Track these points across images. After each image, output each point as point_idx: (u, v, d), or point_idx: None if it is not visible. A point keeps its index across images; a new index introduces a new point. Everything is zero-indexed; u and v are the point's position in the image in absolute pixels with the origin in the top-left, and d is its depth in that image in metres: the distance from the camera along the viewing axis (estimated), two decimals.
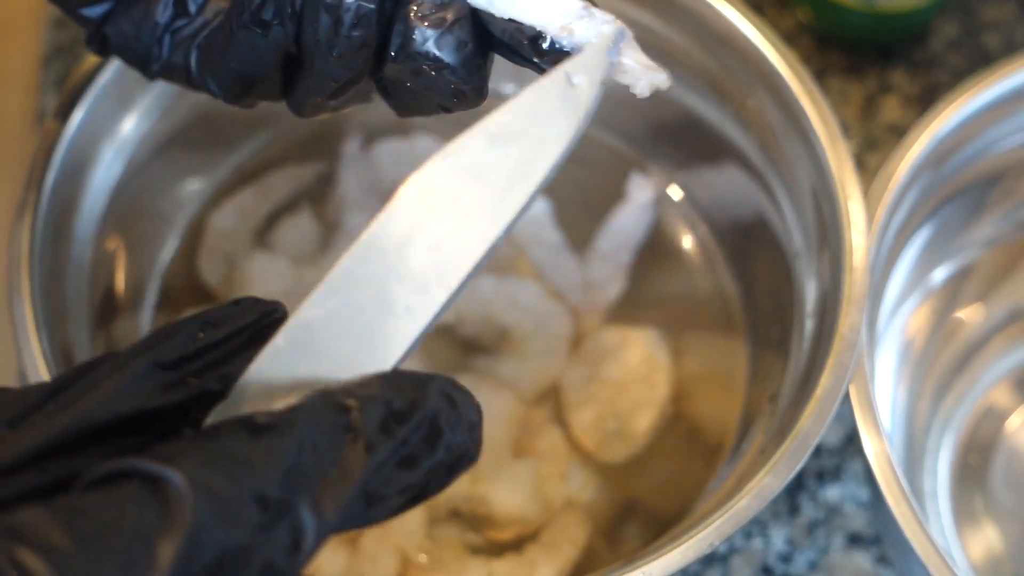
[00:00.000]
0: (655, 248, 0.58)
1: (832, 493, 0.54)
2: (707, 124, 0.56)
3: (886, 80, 0.63)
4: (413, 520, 0.51)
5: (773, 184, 0.54)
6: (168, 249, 0.57)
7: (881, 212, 0.49)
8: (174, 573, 0.24)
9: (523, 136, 0.31)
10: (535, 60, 0.35)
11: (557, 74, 0.32)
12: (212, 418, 0.29)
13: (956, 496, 0.54)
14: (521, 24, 0.35)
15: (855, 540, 0.53)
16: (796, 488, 0.54)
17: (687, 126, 0.57)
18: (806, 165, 0.51)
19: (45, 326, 0.46)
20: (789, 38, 0.63)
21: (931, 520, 0.53)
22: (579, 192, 0.59)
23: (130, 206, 0.53)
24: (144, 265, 0.56)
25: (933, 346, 0.56)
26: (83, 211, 0.51)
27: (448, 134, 0.32)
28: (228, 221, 0.57)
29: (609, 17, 0.34)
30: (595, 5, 0.35)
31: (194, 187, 0.58)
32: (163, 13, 0.39)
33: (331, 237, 0.57)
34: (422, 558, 0.50)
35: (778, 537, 0.53)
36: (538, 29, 0.35)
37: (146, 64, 0.40)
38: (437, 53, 0.36)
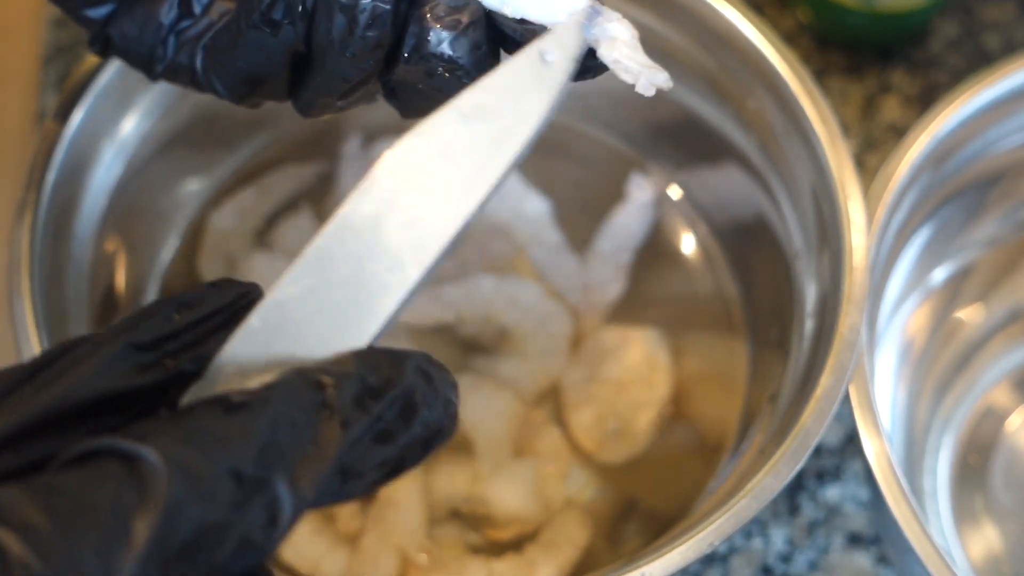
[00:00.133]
0: (655, 248, 0.58)
1: (832, 493, 0.54)
2: (707, 124, 0.56)
3: (886, 80, 0.63)
4: (413, 520, 0.51)
5: (773, 184, 0.54)
6: (168, 249, 0.57)
7: (881, 212, 0.49)
8: (150, 549, 0.24)
9: (497, 113, 0.31)
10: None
11: (530, 51, 0.32)
12: (188, 398, 0.29)
13: (956, 496, 0.54)
14: (533, 25, 0.35)
15: (855, 540, 0.53)
16: (796, 488, 0.54)
17: (687, 126, 0.57)
18: (806, 165, 0.51)
19: (45, 326, 0.46)
20: (789, 38, 0.63)
21: (931, 520, 0.53)
22: (579, 192, 0.59)
23: (130, 206, 0.53)
24: (144, 265, 0.56)
25: (933, 346, 0.56)
26: (83, 211, 0.51)
27: None
28: (228, 221, 0.57)
29: (616, 15, 0.34)
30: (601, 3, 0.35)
31: (194, 187, 0.58)
32: (167, 14, 0.39)
33: None
34: (422, 558, 0.50)
35: (778, 537, 0.53)
36: (550, 29, 0.35)
37: (149, 65, 0.40)
38: (452, 55, 0.36)
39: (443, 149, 0.31)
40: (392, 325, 0.30)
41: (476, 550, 0.51)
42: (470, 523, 0.52)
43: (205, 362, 0.30)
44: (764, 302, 0.55)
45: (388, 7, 0.36)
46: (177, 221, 0.57)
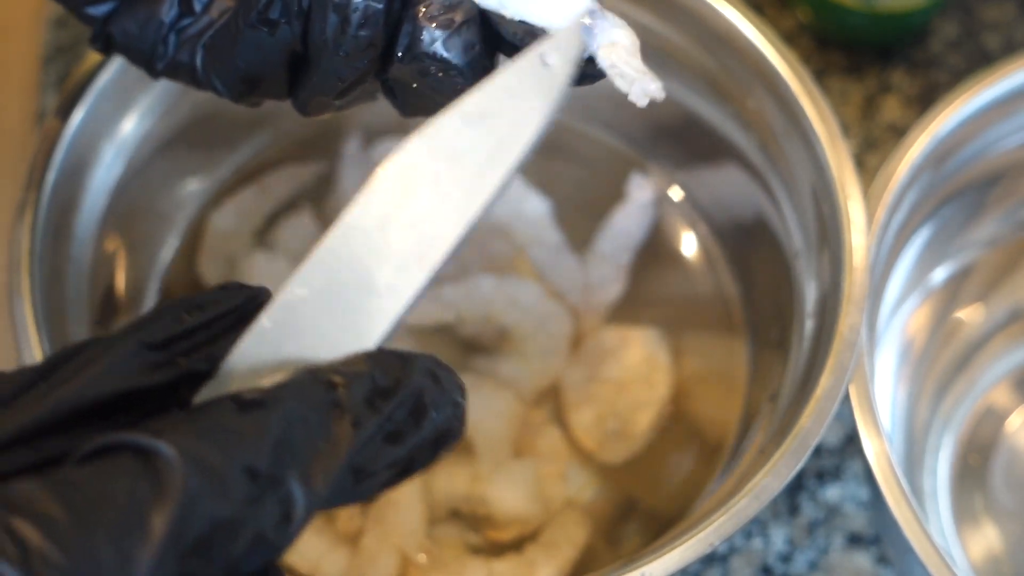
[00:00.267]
0: (655, 248, 0.58)
1: (832, 493, 0.54)
2: (707, 124, 0.56)
3: (886, 80, 0.63)
4: (413, 520, 0.51)
5: (773, 184, 0.54)
6: (168, 249, 0.57)
7: (881, 212, 0.49)
8: (167, 543, 0.25)
9: (499, 116, 0.31)
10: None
11: (531, 55, 0.32)
12: (200, 397, 0.30)
13: (956, 496, 0.54)
14: (532, 27, 0.35)
15: (855, 540, 0.53)
16: (796, 488, 0.54)
17: (687, 126, 0.57)
18: (806, 165, 0.51)
19: (45, 326, 0.46)
20: (789, 38, 0.63)
21: (931, 520, 0.53)
22: (579, 192, 0.59)
23: (130, 206, 0.53)
24: (144, 265, 0.56)
25: (933, 346, 0.56)
26: (83, 211, 0.51)
27: None
28: (228, 221, 0.57)
29: (619, 21, 0.34)
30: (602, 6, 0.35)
31: (194, 187, 0.58)
32: (168, 12, 0.39)
33: None
34: (422, 558, 0.50)
35: (778, 537, 0.53)
36: (549, 32, 0.35)
37: (150, 63, 0.40)
38: (445, 54, 0.36)
39: (447, 152, 0.31)
40: (399, 327, 0.31)
41: (476, 550, 0.51)
42: (470, 523, 0.52)
43: (216, 361, 0.30)
44: (764, 302, 0.55)
45: (380, 6, 0.36)
46: (177, 221, 0.57)
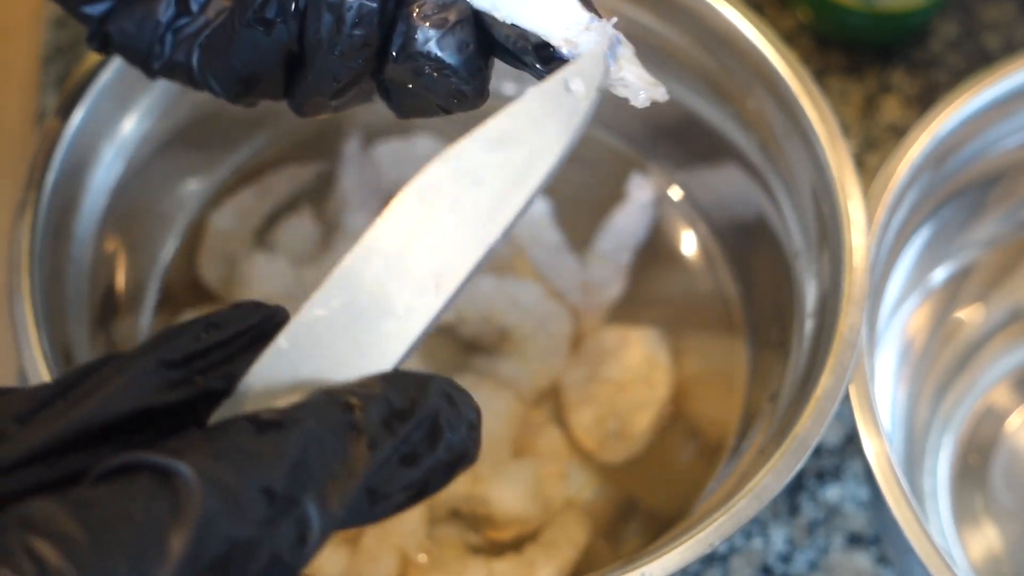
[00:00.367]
0: (655, 248, 0.58)
1: (832, 493, 0.54)
2: (707, 124, 0.56)
3: (886, 80, 0.63)
4: (413, 520, 0.51)
5: (773, 184, 0.54)
6: (168, 249, 0.57)
7: (881, 212, 0.49)
8: (184, 564, 0.25)
9: (521, 141, 0.31)
10: (537, 67, 0.35)
11: (555, 80, 0.32)
12: (216, 416, 0.30)
13: (956, 496, 0.54)
14: (525, 31, 0.35)
15: (855, 540, 0.53)
16: (796, 488, 0.54)
17: (687, 126, 0.57)
18: (806, 165, 0.51)
19: (45, 326, 0.46)
20: (789, 38, 0.63)
21: (931, 520, 0.53)
22: (579, 192, 0.59)
23: (130, 206, 0.53)
24: (144, 265, 0.56)
25: (933, 346, 0.56)
26: (83, 211, 0.51)
27: (448, 134, 0.32)
28: (228, 221, 0.57)
29: (610, 29, 0.34)
30: (599, 16, 0.34)
31: (194, 187, 0.58)
32: (165, 12, 0.39)
33: (331, 237, 0.57)
34: (422, 558, 0.50)
35: (778, 537, 0.53)
36: (542, 38, 0.35)
37: (147, 62, 0.40)
38: (439, 54, 0.36)
39: (468, 175, 0.31)
40: (417, 348, 0.31)
41: (476, 550, 0.51)
42: (470, 523, 0.52)
43: (234, 381, 0.30)
44: (764, 302, 0.55)
45: (375, 6, 0.36)
46: (177, 221, 0.57)
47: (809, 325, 0.49)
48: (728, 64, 0.53)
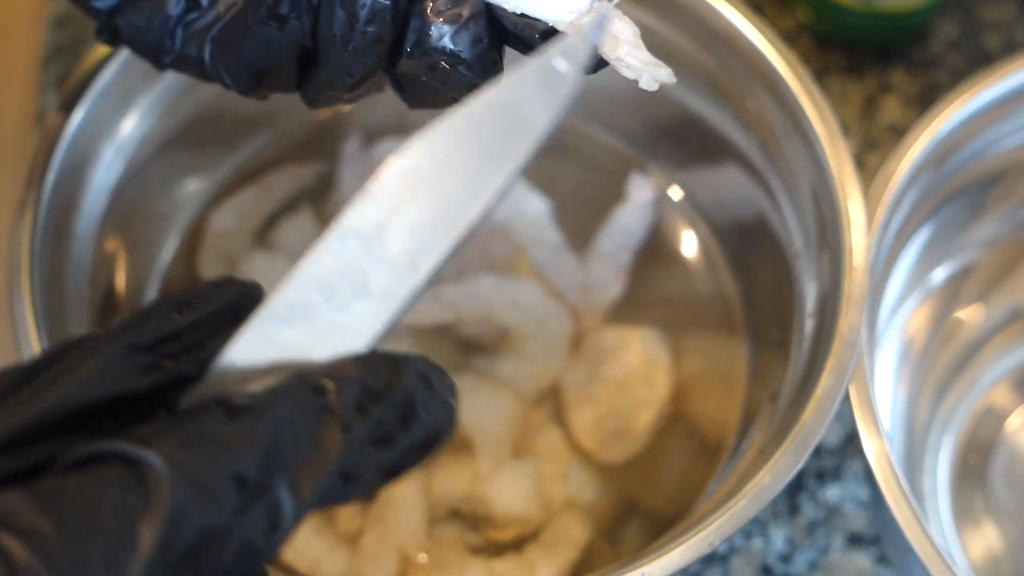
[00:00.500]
0: (655, 248, 0.58)
1: (832, 493, 0.54)
2: (707, 124, 0.56)
3: (886, 80, 0.63)
4: (413, 520, 0.51)
5: (773, 184, 0.54)
6: (168, 249, 0.57)
7: (881, 212, 0.49)
8: (155, 555, 0.24)
9: (504, 120, 0.31)
10: None
11: (540, 58, 0.32)
12: (188, 400, 0.29)
13: (956, 496, 0.54)
14: (533, 19, 0.35)
15: (855, 540, 0.53)
16: (796, 488, 0.54)
17: (687, 126, 0.57)
18: (806, 165, 0.51)
19: (45, 326, 0.46)
20: (789, 38, 0.63)
21: (931, 520, 0.53)
22: (579, 192, 0.59)
23: (130, 206, 0.53)
24: (144, 265, 0.56)
25: (933, 346, 0.56)
26: (83, 211, 0.51)
27: None
28: (228, 221, 0.57)
29: (618, 12, 0.34)
30: None
31: (194, 187, 0.58)
32: (175, 6, 0.39)
33: None
34: (422, 558, 0.50)
35: (778, 537, 0.53)
36: (550, 24, 0.35)
37: (157, 56, 0.40)
38: (453, 48, 0.36)
39: (449, 154, 0.31)
40: (393, 329, 0.31)
41: (476, 550, 0.51)
42: (470, 523, 0.52)
43: (205, 364, 0.29)
44: (764, 302, 0.55)
45: (387, 3, 0.36)
46: (177, 221, 0.57)
47: (809, 325, 0.49)
48: (728, 64, 0.53)
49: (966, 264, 0.57)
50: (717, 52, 0.53)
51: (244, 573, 0.26)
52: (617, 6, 0.35)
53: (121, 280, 0.54)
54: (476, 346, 0.56)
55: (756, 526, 0.53)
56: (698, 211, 0.58)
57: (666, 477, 0.53)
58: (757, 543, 0.53)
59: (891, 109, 0.63)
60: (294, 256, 0.57)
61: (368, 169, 0.58)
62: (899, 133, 0.61)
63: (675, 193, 0.59)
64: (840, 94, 0.63)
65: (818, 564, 0.53)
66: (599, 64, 0.35)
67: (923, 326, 0.56)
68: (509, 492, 0.51)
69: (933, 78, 0.63)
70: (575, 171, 0.59)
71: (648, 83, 0.34)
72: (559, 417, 0.54)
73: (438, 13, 0.36)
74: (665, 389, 0.54)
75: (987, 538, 0.53)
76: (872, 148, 0.62)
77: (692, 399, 0.55)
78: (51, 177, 0.48)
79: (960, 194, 0.54)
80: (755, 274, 0.56)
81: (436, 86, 0.37)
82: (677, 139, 0.58)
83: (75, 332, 0.49)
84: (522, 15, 0.35)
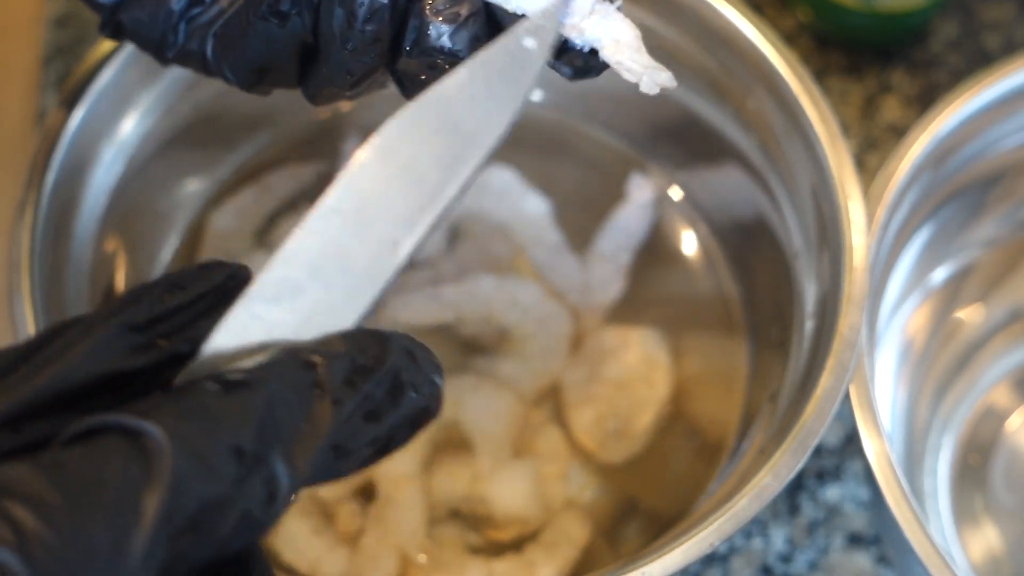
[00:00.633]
0: (655, 248, 0.58)
1: (832, 493, 0.54)
2: (707, 124, 0.56)
3: (886, 80, 0.63)
4: (413, 520, 0.51)
5: (773, 184, 0.54)
6: (168, 249, 0.57)
7: (881, 212, 0.49)
8: (158, 525, 0.25)
9: (476, 98, 0.32)
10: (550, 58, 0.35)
11: (509, 37, 0.33)
12: (180, 377, 0.30)
13: (956, 496, 0.54)
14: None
15: (855, 540, 0.53)
16: (796, 488, 0.54)
17: (687, 126, 0.57)
18: (806, 165, 0.51)
19: (45, 326, 0.46)
20: (789, 38, 0.63)
21: (931, 520, 0.53)
22: (579, 192, 0.59)
23: (130, 206, 0.53)
24: (144, 265, 0.56)
25: (933, 346, 0.56)
26: (83, 211, 0.51)
27: None
28: (228, 221, 0.57)
29: (619, 15, 0.34)
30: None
31: (194, 187, 0.58)
32: (178, 1, 0.39)
33: None
34: (422, 558, 0.50)
35: (778, 537, 0.53)
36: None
37: (160, 50, 0.40)
38: (452, 48, 0.36)
39: (424, 134, 0.32)
40: (376, 306, 0.31)
41: (476, 550, 0.51)
42: (470, 523, 0.52)
43: (198, 343, 0.30)
44: (764, 302, 0.55)
45: (386, 1, 0.36)
46: (177, 221, 0.57)
47: (809, 325, 0.49)
48: (728, 64, 0.53)
49: (966, 264, 0.57)
50: (717, 52, 0.53)
51: (242, 544, 0.27)
52: (618, 8, 0.35)
53: (121, 280, 0.54)
54: (476, 346, 0.56)
55: (756, 526, 0.53)
56: (698, 211, 0.58)
57: (666, 477, 0.53)
58: (757, 543, 0.53)
59: (891, 109, 0.63)
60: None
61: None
62: (899, 133, 0.61)
63: (675, 193, 0.59)
64: (840, 94, 0.63)
65: (818, 564, 0.53)
66: (600, 67, 0.35)
67: (923, 326, 0.56)
68: (509, 492, 0.51)
69: (933, 78, 0.63)
70: (575, 171, 0.59)
71: (649, 87, 0.34)
72: (559, 417, 0.54)
73: (436, 12, 0.36)
74: (665, 389, 0.54)
75: (987, 538, 0.53)
76: (872, 148, 0.62)
77: (692, 399, 0.55)
78: (51, 177, 0.48)
79: (960, 194, 0.54)
80: (755, 274, 0.56)
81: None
82: (677, 139, 0.58)
83: None
84: (523, 16, 0.35)
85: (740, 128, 0.54)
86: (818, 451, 0.55)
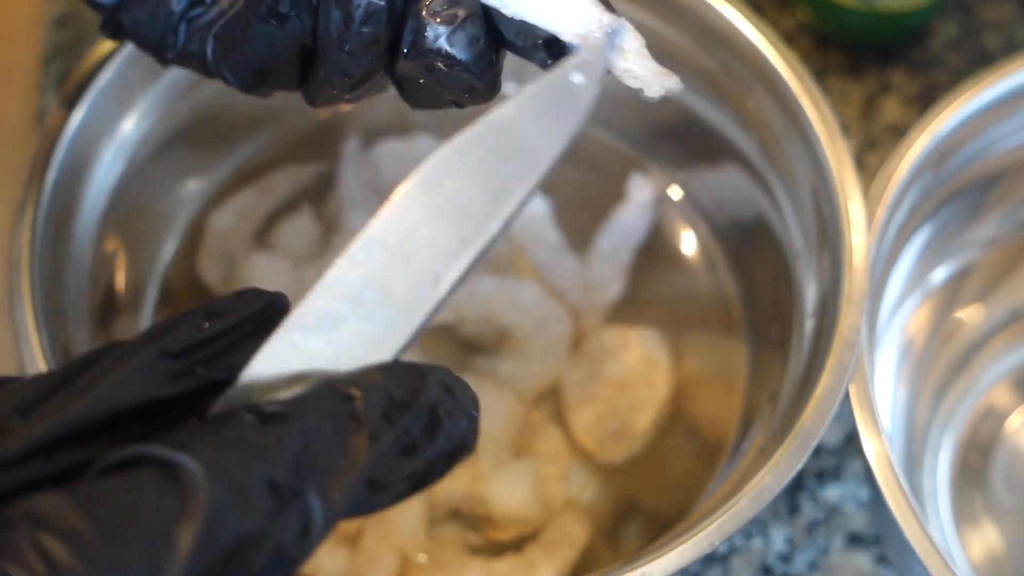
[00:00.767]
0: (655, 248, 0.58)
1: (832, 493, 0.54)
2: (707, 124, 0.56)
3: (886, 80, 0.63)
4: (413, 520, 0.51)
5: (773, 184, 0.54)
6: (168, 249, 0.57)
7: (881, 212, 0.49)
8: (193, 558, 0.25)
9: (523, 134, 0.32)
10: (548, 61, 0.35)
11: (557, 72, 0.32)
12: (217, 407, 0.30)
13: (956, 496, 0.54)
14: (534, 27, 0.35)
15: (855, 540, 0.53)
16: (796, 488, 0.54)
17: (687, 126, 0.57)
18: (806, 165, 0.51)
19: (45, 326, 0.46)
20: (789, 38, 0.63)
21: (931, 520, 0.53)
22: (579, 192, 0.59)
23: (130, 206, 0.53)
24: (144, 265, 0.56)
25: (933, 346, 0.56)
26: (83, 211, 0.51)
27: (449, 133, 0.32)
28: (228, 221, 0.57)
29: (608, 19, 0.34)
30: (609, 10, 0.35)
31: (194, 187, 0.58)
32: (178, 2, 0.39)
33: (331, 237, 0.57)
34: (422, 558, 0.50)
35: (778, 537, 0.53)
36: (552, 33, 0.35)
37: (160, 51, 0.40)
38: (449, 50, 0.36)
39: (469, 168, 0.31)
40: (416, 340, 0.31)
41: (476, 550, 0.51)
42: (470, 523, 0.52)
43: (236, 371, 0.30)
44: (764, 302, 0.55)
45: (382, 3, 0.36)
46: (177, 221, 0.57)
47: (809, 325, 0.49)
48: (728, 64, 0.53)
49: (966, 264, 0.57)
50: (717, 52, 0.53)
51: None
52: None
53: (121, 280, 0.54)
54: (476, 346, 0.56)
55: (756, 526, 0.53)
56: (698, 211, 0.58)
57: (666, 477, 0.53)
58: (757, 543, 0.53)
59: (891, 109, 0.63)
60: (294, 256, 0.57)
61: (368, 169, 0.58)
62: (899, 133, 0.61)
63: (675, 193, 0.59)
64: (840, 94, 0.63)
65: (818, 564, 0.53)
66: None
67: (923, 326, 0.56)
68: (509, 492, 0.51)
69: (933, 78, 0.63)
70: (575, 171, 0.59)
71: (655, 92, 0.34)
72: (559, 417, 0.54)
73: (434, 14, 0.36)
74: (665, 389, 0.54)
75: (987, 538, 0.53)
76: (872, 148, 0.62)
77: (692, 399, 0.55)
78: (51, 177, 0.48)
79: (960, 194, 0.54)
80: (755, 274, 0.56)
81: (433, 86, 0.37)
82: (677, 139, 0.58)
83: (75, 332, 0.49)
84: (521, 22, 0.35)
85: (740, 128, 0.54)
86: (818, 451, 0.55)
